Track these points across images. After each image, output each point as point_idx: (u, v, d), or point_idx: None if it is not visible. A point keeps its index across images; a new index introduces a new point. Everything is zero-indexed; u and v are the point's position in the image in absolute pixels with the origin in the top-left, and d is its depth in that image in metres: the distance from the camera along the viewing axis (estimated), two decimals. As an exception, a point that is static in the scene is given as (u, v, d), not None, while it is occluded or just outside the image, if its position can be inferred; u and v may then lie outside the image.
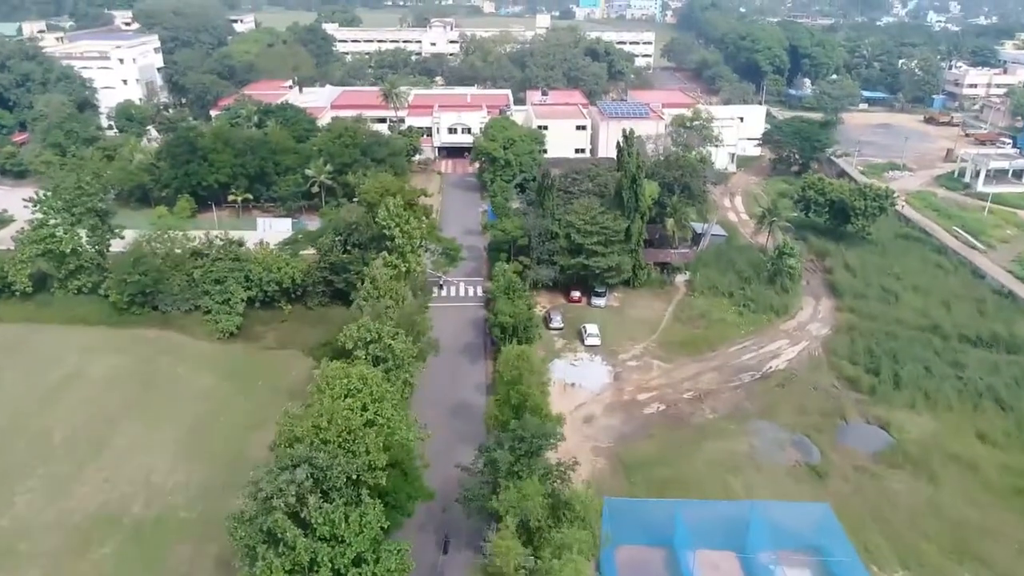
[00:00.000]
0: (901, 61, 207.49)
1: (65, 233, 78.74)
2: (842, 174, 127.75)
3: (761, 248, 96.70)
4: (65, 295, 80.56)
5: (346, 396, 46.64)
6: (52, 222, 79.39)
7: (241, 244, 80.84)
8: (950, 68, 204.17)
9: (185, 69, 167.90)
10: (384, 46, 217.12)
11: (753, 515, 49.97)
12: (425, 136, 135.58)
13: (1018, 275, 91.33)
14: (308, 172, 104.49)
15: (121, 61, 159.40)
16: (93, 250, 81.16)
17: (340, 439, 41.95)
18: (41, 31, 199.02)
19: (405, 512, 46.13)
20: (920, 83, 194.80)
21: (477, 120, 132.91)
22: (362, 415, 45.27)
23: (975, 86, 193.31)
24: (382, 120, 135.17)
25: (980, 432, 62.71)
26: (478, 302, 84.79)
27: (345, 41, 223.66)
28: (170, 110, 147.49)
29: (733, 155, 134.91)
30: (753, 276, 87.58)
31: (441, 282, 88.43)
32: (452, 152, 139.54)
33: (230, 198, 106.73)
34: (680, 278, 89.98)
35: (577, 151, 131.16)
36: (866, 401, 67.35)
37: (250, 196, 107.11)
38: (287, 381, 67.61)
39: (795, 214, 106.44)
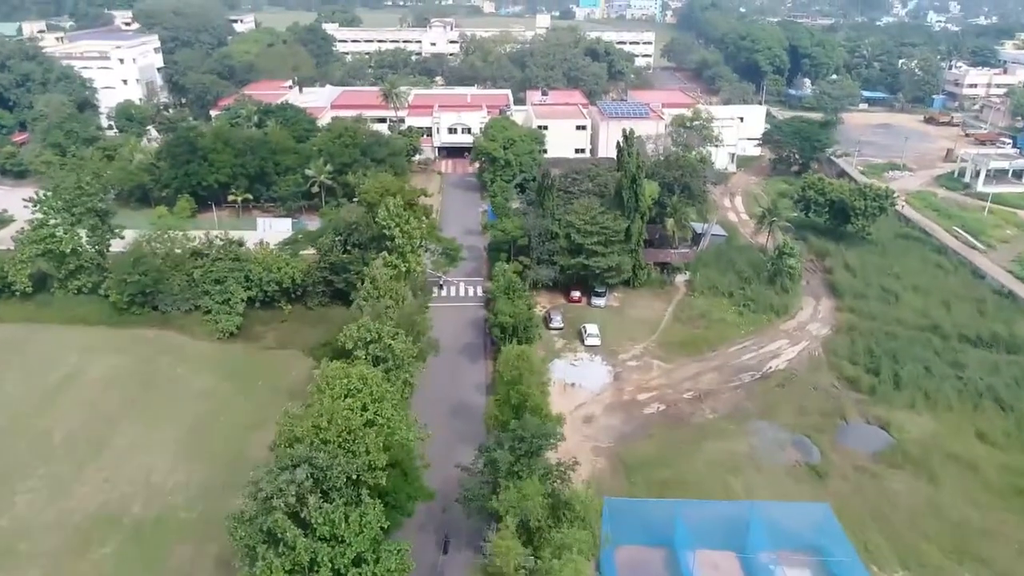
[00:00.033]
0: (901, 61, 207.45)
1: (65, 233, 78.73)
2: (842, 174, 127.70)
3: (761, 248, 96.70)
4: (65, 295, 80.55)
5: (346, 396, 46.66)
6: (52, 222, 79.38)
7: (241, 244, 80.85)
8: (950, 68, 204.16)
9: (185, 69, 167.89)
10: (384, 46, 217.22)
11: (753, 515, 49.93)
12: (425, 136, 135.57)
13: (1018, 275, 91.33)
14: (308, 172, 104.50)
15: (121, 61, 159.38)
16: (93, 250, 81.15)
17: (340, 439, 41.97)
18: (41, 31, 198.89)
19: (405, 512, 46.13)
20: (920, 83, 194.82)
21: (477, 120, 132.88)
22: (362, 415, 45.29)
23: (975, 86, 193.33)
24: (382, 120, 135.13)
25: (980, 432, 62.73)
26: (478, 302, 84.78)
27: (345, 41, 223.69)
28: (170, 110, 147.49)
29: (733, 155, 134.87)
30: (753, 276, 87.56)
31: (441, 282, 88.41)
32: (452, 152, 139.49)
33: (230, 198, 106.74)
34: (680, 278, 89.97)
35: (577, 151, 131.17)
36: (866, 401, 67.32)
37: (250, 196, 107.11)
38: (287, 381, 67.61)
39: (795, 214, 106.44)
